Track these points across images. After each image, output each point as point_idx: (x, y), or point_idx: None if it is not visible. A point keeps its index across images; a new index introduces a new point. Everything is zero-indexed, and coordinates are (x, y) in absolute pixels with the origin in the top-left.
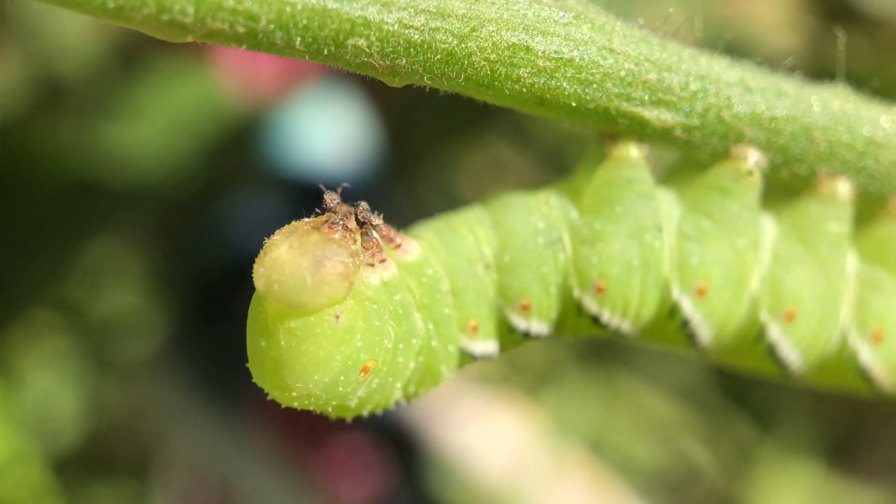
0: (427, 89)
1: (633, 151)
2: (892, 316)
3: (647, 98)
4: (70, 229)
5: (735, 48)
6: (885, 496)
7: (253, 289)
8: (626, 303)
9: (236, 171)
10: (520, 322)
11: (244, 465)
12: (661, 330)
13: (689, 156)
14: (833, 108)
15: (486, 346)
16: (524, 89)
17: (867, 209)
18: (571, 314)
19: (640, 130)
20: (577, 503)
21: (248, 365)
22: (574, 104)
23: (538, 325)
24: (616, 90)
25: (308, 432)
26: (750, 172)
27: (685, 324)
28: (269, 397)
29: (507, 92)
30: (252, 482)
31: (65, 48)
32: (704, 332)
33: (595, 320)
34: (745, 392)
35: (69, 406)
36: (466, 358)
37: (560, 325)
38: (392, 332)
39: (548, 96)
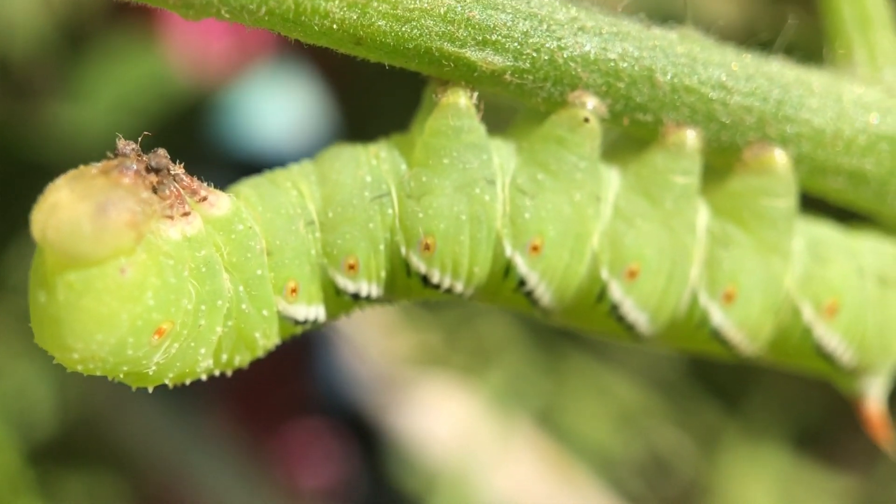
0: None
1: (461, 98)
2: (744, 275)
3: (471, 38)
4: (18, 212)
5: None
6: (856, 483)
7: None
8: (456, 261)
9: (185, 150)
10: (347, 283)
11: (198, 453)
12: (498, 290)
13: (529, 103)
14: (678, 51)
15: (310, 310)
16: (335, 25)
17: (721, 161)
18: (401, 274)
19: (467, 74)
20: (526, 480)
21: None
22: (392, 43)
23: (367, 287)
24: (437, 29)
25: (264, 420)
26: (586, 120)
27: (521, 283)
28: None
29: (317, 28)
30: (206, 470)
31: (11, 27)
32: (543, 291)
33: (425, 280)
34: (713, 376)
35: (46, 396)
36: (289, 324)
37: (391, 287)
38: (193, 292)
39: (362, 34)
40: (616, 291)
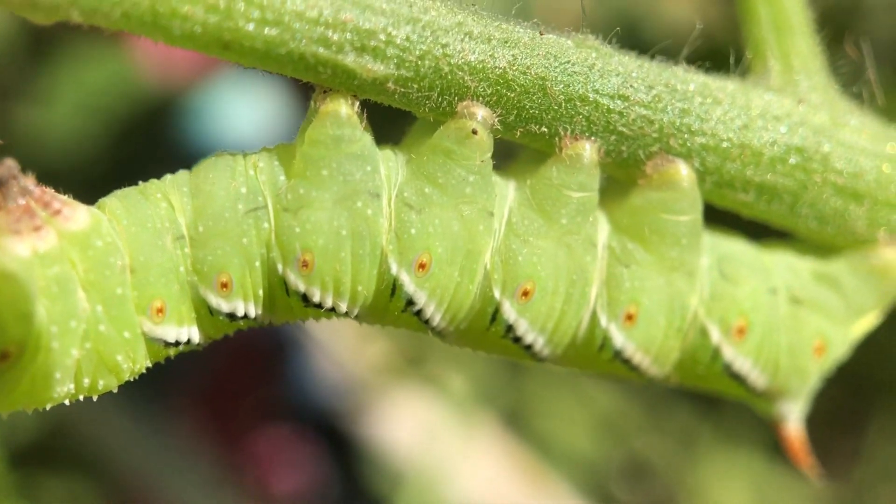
0: None
1: (342, 107)
2: (646, 295)
3: (348, 44)
4: None
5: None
6: (832, 487)
7: None
8: (338, 279)
9: (150, 152)
10: (220, 303)
11: (169, 458)
12: (385, 310)
13: (419, 113)
14: (573, 59)
15: (181, 331)
16: (198, 28)
17: (625, 174)
18: (280, 293)
19: (347, 82)
20: (498, 484)
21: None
22: (262, 48)
23: (243, 306)
24: (310, 33)
25: (236, 425)
26: (474, 132)
27: (409, 302)
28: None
29: (179, 32)
30: (176, 476)
31: None
32: (433, 311)
33: (305, 299)
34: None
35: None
36: (159, 346)
37: (271, 307)
38: (43, 313)
39: (228, 38)
40: (510, 312)
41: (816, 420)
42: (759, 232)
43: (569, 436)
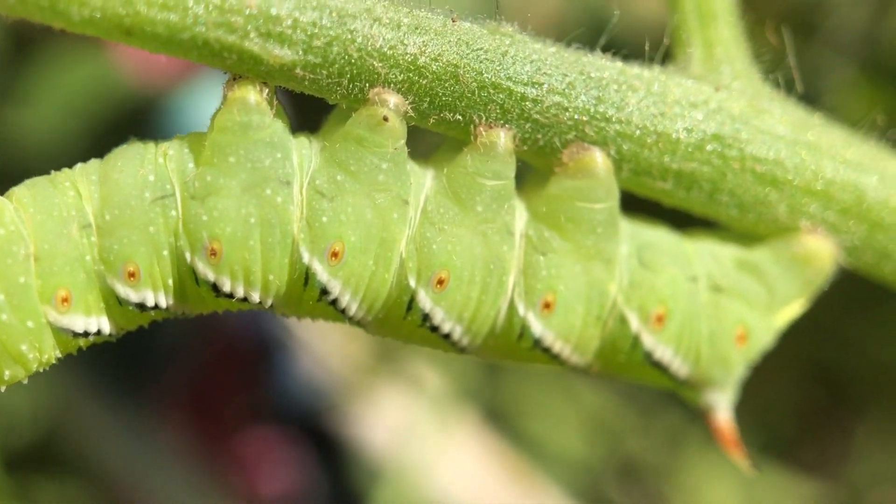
0: None
1: (250, 93)
2: (563, 283)
3: (253, 29)
4: None
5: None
6: (823, 488)
7: None
8: (247, 268)
9: None
10: (128, 292)
11: (155, 461)
12: (300, 300)
13: (332, 100)
14: (486, 46)
15: (89, 321)
16: (97, 14)
17: (543, 163)
18: (190, 283)
19: (254, 68)
20: (483, 483)
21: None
22: (165, 34)
23: (153, 296)
24: (212, 18)
25: (222, 427)
26: (385, 118)
27: (324, 292)
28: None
29: (78, 18)
30: (163, 478)
31: None
32: (349, 300)
33: (216, 289)
34: None
35: (23, 403)
36: (67, 337)
37: (182, 297)
38: None
39: (129, 23)
40: (425, 301)
41: (805, 420)
42: (688, 221)
43: (557, 435)
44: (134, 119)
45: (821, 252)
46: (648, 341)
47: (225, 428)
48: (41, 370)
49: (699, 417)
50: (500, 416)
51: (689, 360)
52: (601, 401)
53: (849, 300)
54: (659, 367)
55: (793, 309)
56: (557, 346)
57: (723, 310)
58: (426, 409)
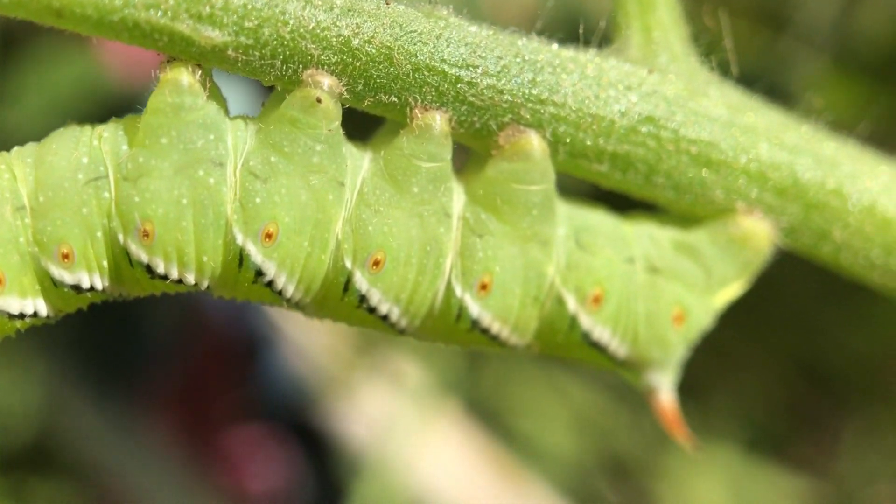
0: None
1: (182, 75)
2: (499, 265)
3: (183, 10)
4: None
5: None
6: (811, 484)
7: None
8: (181, 249)
9: None
10: (63, 274)
11: (142, 459)
12: (236, 282)
13: (266, 81)
14: (420, 28)
15: (25, 303)
16: None
17: (481, 145)
18: (125, 265)
19: (186, 50)
20: (469, 478)
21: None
22: (95, 15)
23: (88, 278)
24: None
25: (209, 425)
26: (319, 100)
27: (259, 273)
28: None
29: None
30: (150, 476)
31: None
32: (284, 282)
33: (150, 271)
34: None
35: (20, 403)
36: (5, 319)
37: (118, 279)
38: None
39: (60, 4)
40: (361, 282)
41: (789, 415)
42: (634, 205)
43: (543, 430)
44: (118, 116)
45: (757, 233)
46: (586, 322)
47: (212, 425)
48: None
49: (685, 411)
50: (486, 411)
51: (627, 341)
52: (588, 396)
53: (823, 291)
54: (597, 347)
55: (732, 290)
56: (496, 328)
57: (659, 291)
58: (412, 404)
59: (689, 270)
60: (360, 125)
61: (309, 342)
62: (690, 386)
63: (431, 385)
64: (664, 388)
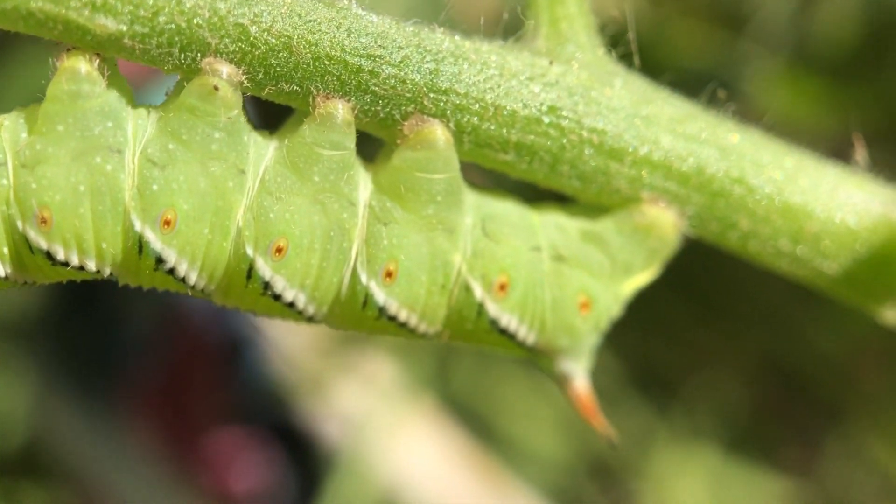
0: None
1: (80, 63)
2: (404, 252)
3: None
4: None
5: None
6: (794, 485)
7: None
8: (79, 236)
9: None
10: None
11: (121, 461)
12: (138, 270)
13: (165, 70)
14: (320, 17)
15: None
16: None
17: (387, 134)
18: (26, 252)
19: (82, 39)
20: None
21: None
22: None
23: None
24: None
25: (187, 426)
26: (216, 88)
27: (159, 261)
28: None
29: None
30: (130, 478)
31: None
32: (186, 269)
33: (50, 258)
34: (646, 377)
35: (15, 407)
36: None
37: (21, 266)
38: None
39: None
40: (264, 269)
41: (765, 415)
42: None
43: (524, 429)
44: None
45: (662, 222)
46: (493, 309)
47: (194, 426)
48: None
49: (664, 412)
50: (464, 409)
51: (534, 328)
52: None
53: (791, 288)
54: (506, 334)
55: (641, 278)
56: (403, 315)
57: (565, 278)
58: (389, 403)
59: (595, 259)
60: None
61: (290, 343)
62: (674, 386)
63: (408, 383)
64: (578, 376)
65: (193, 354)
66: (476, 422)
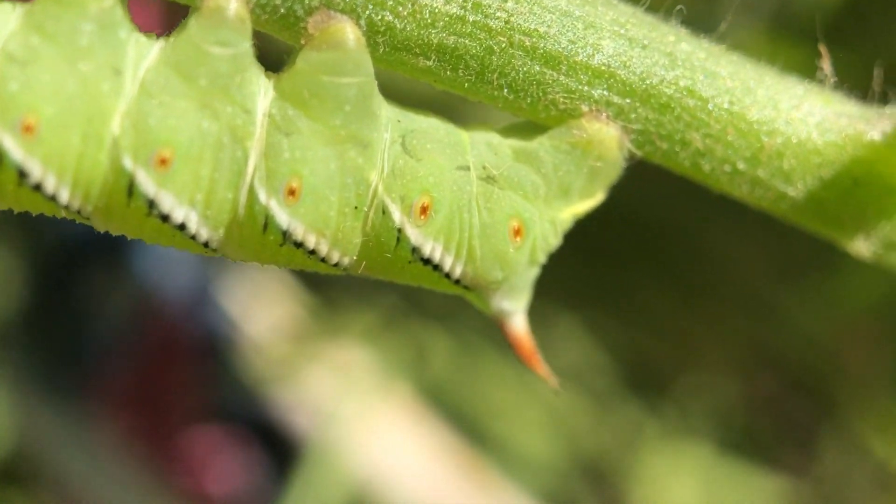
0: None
1: None
2: (309, 167)
3: None
4: None
5: None
6: (788, 483)
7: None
8: None
9: None
10: None
11: (97, 464)
12: (3, 188)
13: None
14: None
15: None
16: None
17: (291, 36)
18: None
19: None
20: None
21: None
22: None
23: None
24: None
25: (163, 426)
26: None
27: (22, 175)
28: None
29: None
30: (105, 481)
31: None
32: (55, 184)
33: None
34: (633, 372)
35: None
36: None
37: None
38: None
39: None
40: (147, 184)
41: (756, 408)
42: None
43: (514, 431)
44: None
45: (603, 138)
46: (414, 235)
47: (170, 426)
48: None
49: (655, 409)
50: (447, 401)
51: (461, 258)
52: (554, 392)
53: (774, 270)
54: (430, 264)
55: (582, 206)
56: (312, 241)
57: (495, 201)
58: (366, 393)
59: (529, 179)
60: None
61: (264, 333)
62: (662, 381)
63: (384, 371)
64: (515, 315)
65: (167, 350)
66: (455, 412)
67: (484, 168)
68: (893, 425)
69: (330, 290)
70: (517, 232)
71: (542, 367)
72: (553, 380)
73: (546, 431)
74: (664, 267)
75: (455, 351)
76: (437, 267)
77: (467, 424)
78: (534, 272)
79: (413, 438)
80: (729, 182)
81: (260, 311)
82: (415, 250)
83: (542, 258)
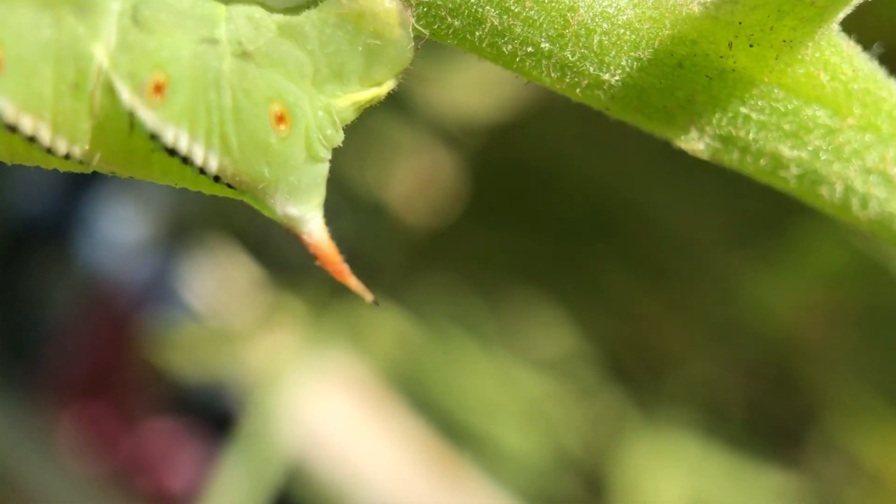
0: None
1: None
2: (7, 32)
3: None
4: None
5: None
6: (783, 478)
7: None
8: None
9: None
10: None
11: (45, 461)
12: None
13: None
14: None
15: None
16: None
17: None
18: None
19: None
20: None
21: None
22: None
23: None
24: None
25: (116, 420)
26: None
27: None
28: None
29: None
30: (54, 479)
31: None
32: None
33: None
34: (621, 364)
35: None
36: None
37: None
38: None
39: None
40: None
41: (767, 415)
42: None
43: (492, 423)
44: None
45: (377, 10)
46: (149, 118)
47: (125, 420)
48: None
49: (641, 400)
50: (432, 403)
51: (214, 147)
52: (535, 383)
53: (727, 240)
54: (178, 156)
55: (366, 93)
56: (27, 125)
57: (251, 80)
58: (349, 395)
59: (293, 56)
60: None
61: (225, 325)
62: (628, 368)
63: (374, 377)
64: (308, 219)
65: (118, 339)
66: (423, 400)
67: (239, 44)
68: (864, 411)
69: (295, 275)
70: (280, 118)
71: (351, 279)
72: (368, 294)
73: (523, 421)
74: (617, 242)
75: (423, 336)
76: (186, 160)
77: (438, 414)
78: (320, 170)
79: (377, 425)
80: (534, 67)
81: (220, 299)
82: (155, 137)
83: (322, 153)
